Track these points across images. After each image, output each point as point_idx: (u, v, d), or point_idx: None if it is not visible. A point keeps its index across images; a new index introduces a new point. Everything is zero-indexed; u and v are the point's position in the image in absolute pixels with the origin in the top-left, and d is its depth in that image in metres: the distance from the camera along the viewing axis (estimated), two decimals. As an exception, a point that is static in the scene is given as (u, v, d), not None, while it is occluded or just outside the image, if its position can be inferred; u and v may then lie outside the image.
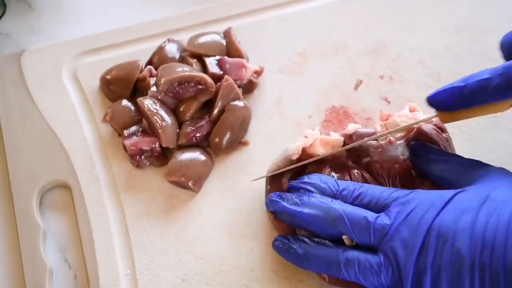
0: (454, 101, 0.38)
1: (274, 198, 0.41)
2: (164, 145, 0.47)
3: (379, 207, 0.38)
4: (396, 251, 0.35)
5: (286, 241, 0.40)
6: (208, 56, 0.51)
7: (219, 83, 0.49)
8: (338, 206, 0.38)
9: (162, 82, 0.47)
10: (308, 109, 0.51)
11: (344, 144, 0.44)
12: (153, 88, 0.49)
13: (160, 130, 0.47)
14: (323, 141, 0.44)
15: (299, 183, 0.42)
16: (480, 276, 0.32)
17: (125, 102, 0.50)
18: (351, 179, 0.43)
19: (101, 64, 0.53)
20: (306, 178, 0.42)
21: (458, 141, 0.45)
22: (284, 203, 0.40)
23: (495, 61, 0.39)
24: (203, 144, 0.49)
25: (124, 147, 0.47)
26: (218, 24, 0.56)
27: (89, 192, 0.47)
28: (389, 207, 0.38)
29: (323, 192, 0.40)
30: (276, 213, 0.42)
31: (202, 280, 0.43)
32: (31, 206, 0.46)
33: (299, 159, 0.43)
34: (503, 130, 0.49)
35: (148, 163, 0.48)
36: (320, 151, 0.43)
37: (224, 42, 0.53)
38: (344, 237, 0.38)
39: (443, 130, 0.44)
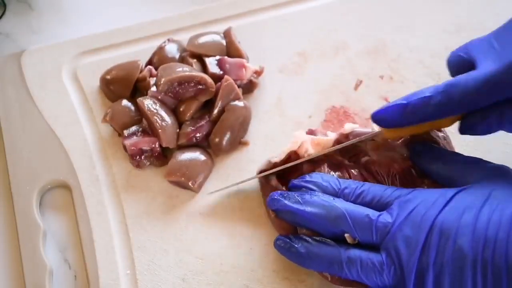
0: (397, 118, 0.39)
1: (276, 197, 0.41)
2: (164, 145, 0.47)
3: (381, 206, 0.38)
4: (399, 249, 0.35)
5: (288, 240, 0.40)
6: (208, 56, 0.51)
7: (219, 83, 0.49)
8: (340, 204, 0.38)
9: (162, 82, 0.47)
10: (308, 109, 0.51)
11: (337, 143, 0.44)
12: (153, 88, 0.49)
13: (160, 130, 0.47)
14: (314, 142, 0.44)
15: (301, 182, 0.42)
16: (482, 273, 0.32)
17: (125, 102, 0.50)
18: (350, 178, 0.43)
19: (101, 64, 0.53)
20: (307, 177, 0.42)
21: (458, 141, 0.45)
22: (286, 202, 0.40)
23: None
24: (203, 144, 0.49)
25: (124, 147, 0.47)
26: (218, 24, 0.56)
27: (89, 192, 0.47)
28: (391, 205, 0.38)
29: (325, 190, 0.40)
30: (277, 212, 0.42)
31: (202, 280, 0.43)
32: (31, 206, 0.46)
33: (288, 161, 0.43)
34: (503, 130, 0.50)
35: (148, 163, 0.48)
36: (311, 151, 0.43)
37: (224, 42, 0.53)
38: (346, 235, 0.38)
39: (439, 129, 0.44)
